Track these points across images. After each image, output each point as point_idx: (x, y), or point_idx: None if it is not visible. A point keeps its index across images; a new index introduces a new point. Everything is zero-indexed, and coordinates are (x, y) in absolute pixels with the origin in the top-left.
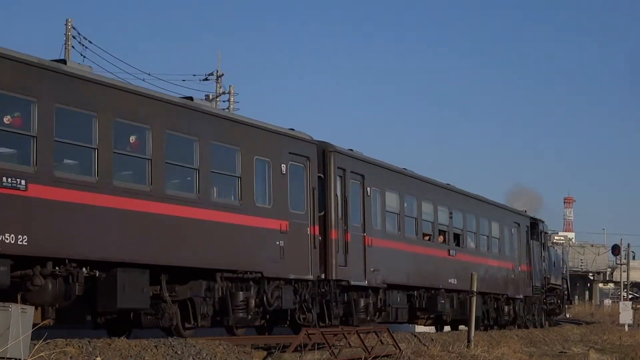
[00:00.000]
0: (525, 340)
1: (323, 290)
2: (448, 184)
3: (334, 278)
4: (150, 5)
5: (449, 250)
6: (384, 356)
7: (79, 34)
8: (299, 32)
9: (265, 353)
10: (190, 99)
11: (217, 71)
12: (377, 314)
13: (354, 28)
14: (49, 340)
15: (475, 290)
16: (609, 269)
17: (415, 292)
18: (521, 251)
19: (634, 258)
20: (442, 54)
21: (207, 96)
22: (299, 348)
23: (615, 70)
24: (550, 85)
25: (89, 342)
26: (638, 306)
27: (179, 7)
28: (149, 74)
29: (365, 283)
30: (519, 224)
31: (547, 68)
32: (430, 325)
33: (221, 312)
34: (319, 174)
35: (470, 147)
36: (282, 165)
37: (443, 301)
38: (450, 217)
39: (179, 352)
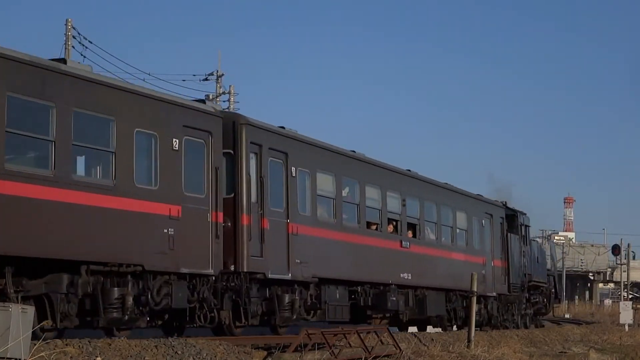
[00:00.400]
0: (526, 340)
1: (233, 284)
2: (410, 170)
3: (245, 270)
4: (150, 5)
5: (401, 242)
6: (384, 356)
7: (79, 34)
8: (299, 32)
9: (265, 353)
10: (63, 60)
11: (217, 71)
12: (312, 312)
13: (354, 28)
14: (49, 340)
15: (475, 290)
16: (609, 269)
17: (359, 287)
18: (495, 245)
19: (634, 258)
20: (443, 54)
21: (207, 96)
22: (299, 348)
23: (615, 70)
24: (550, 85)
25: (89, 342)
26: (638, 306)
27: (179, 7)
28: (149, 74)
29: (289, 276)
30: (491, 215)
31: (548, 68)
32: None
33: (92, 311)
34: (228, 151)
35: (470, 147)
36: (174, 140)
37: (394, 298)
38: (404, 205)
39: (179, 352)
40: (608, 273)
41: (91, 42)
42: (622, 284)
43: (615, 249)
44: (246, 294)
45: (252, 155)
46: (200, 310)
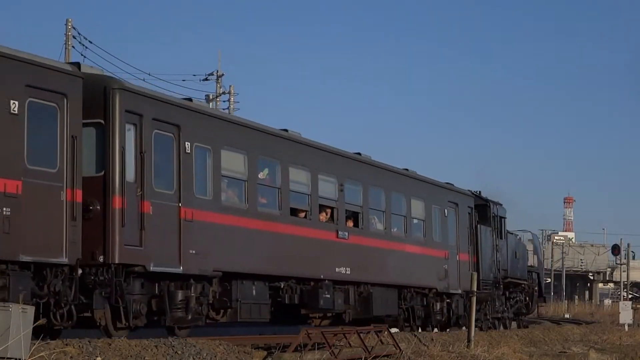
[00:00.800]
0: (526, 340)
1: (102, 278)
2: (358, 154)
3: (116, 262)
4: (150, 5)
5: (337, 232)
6: (384, 356)
7: (79, 34)
8: (299, 32)
9: (265, 353)
10: None
11: (217, 71)
12: (222, 311)
13: (354, 28)
14: (48, 340)
15: (475, 290)
16: (609, 269)
17: (283, 283)
18: (461, 237)
19: (634, 258)
20: (443, 54)
21: (207, 96)
22: (299, 348)
23: (615, 70)
24: (550, 85)
25: (89, 342)
26: (638, 306)
27: (179, 7)
28: (149, 74)
29: (180, 269)
30: (457, 205)
31: (548, 68)
32: (329, 325)
33: None
34: (98, 120)
35: (470, 147)
36: (12, 101)
37: (329, 295)
38: (341, 190)
39: (179, 352)
40: (608, 273)
41: (91, 42)
42: (621, 284)
43: (615, 249)
44: (121, 290)
45: (129, 127)
46: (57, 308)
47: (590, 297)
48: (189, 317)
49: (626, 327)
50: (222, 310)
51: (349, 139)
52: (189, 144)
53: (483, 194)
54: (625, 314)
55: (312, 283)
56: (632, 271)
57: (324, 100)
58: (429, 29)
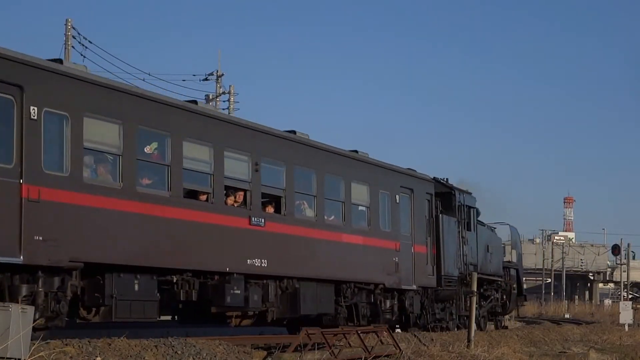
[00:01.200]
0: (526, 340)
1: None
2: (292, 132)
3: None
4: (150, 5)
5: (250, 218)
6: (384, 356)
7: (79, 34)
8: (299, 32)
9: (265, 353)
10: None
11: (217, 71)
12: (95, 309)
13: (354, 28)
14: (48, 340)
15: (475, 290)
16: (609, 269)
17: (175, 277)
18: (417, 227)
19: (634, 258)
20: (444, 54)
21: (207, 96)
22: (299, 348)
23: (616, 70)
24: (550, 85)
25: (89, 342)
26: (638, 306)
27: (179, 7)
28: (149, 74)
29: (21, 260)
30: (412, 191)
31: (548, 68)
32: (251, 325)
33: None
34: None
35: (470, 147)
36: None
37: (239, 291)
38: (256, 171)
39: (179, 352)
40: (608, 273)
41: (91, 42)
42: (622, 284)
43: (615, 249)
44: None
45: None
46: None
47: (591, 297)
48: (37, 317)
49: (626, 327)
50: (95, 309)
51: (349, 138)
52: (35, 109)
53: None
54: (626, 314)
55: (216, 277)
56: (632, 271)
57: (324, 100)
58: (430, 28)
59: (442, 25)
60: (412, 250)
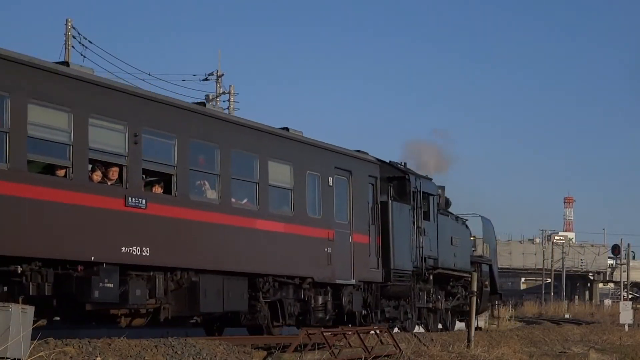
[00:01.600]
0: (526, 340)
1: None
2: (202, 104)
3: None
4: (150, 5)
5: (126, 198)
6: (384, 356)
7: (79, 34)
8: (299, 32)
9: (265, 353)
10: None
11: (217, 71)
12: None
13: (354, 28)
14: (48, 340)
15: (475, 290)
16: (609, 269)
17: (21, 266)
18: (357, 214)
19: (634, 258)
20: (444, 54)
21: (207, 96)
22: (299, 348)
23: (615, 70)
24: (550, 85)
25: (88, 342)
26: (638, 306)
27: (179, 7)
28: (149, 74)
29: None
30: (350, 173)
31: (548, 68)
32: (143, 326)
33: None
34: None
35: (469, 147)
36: None
37: (111, 284)
38: (135, 143)
39: (179, 352)
40: (608, 273)
41: (91, 42)
42: (622, 284)
43: (615, 249)
44: None
45: None
46: None
47: (591, 297)
48: None
49: (626, 327)
50: None
51: (349, 138)
52: None
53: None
54: (626, 314)
55: (80, 268)
56: (632, 271)
57: (324, 100)
58: (430, 29)
59: (442, 25)
60: (351, 240)
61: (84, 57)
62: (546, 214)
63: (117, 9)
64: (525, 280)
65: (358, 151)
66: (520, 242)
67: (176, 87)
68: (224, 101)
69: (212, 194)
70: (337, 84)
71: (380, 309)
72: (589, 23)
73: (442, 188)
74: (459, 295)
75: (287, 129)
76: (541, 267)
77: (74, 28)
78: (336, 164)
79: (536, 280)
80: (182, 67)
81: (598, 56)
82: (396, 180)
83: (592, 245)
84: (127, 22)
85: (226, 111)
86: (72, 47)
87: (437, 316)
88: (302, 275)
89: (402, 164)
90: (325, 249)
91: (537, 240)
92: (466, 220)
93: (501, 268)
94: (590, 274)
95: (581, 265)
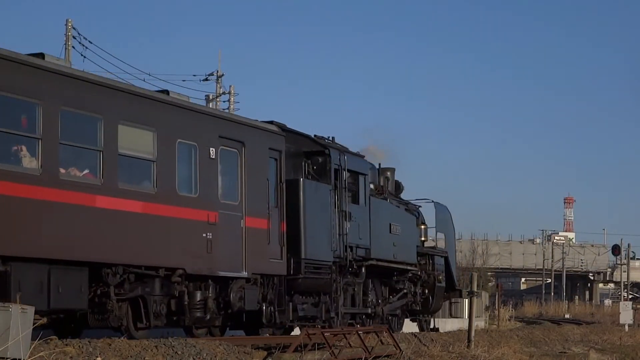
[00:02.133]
0: (526, 340)
1: None
2: (40, 55)
3: None
4: (150, 5)
5: None
6: (384, 356)
7: (79, 34)
8: (299, 32)
9: (265, 353)
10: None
11: (217, 71)
12: None
13: (354, 28)
14: (48, 340)
15: (474, 290)
16: (609, 269)
17: None
18: (251, 194)
19: (634, 258)
20: (444, 54)
21: (207, 96)
22: (299, 348)
23: (615, 70)
24: (550, 85)
25: (89, 342)
26: (638, 306)
27: (179, 7)
28: (149, 74)
29: None
30: (242, 144)
31: (547, 68)
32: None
33: None
34: None
35: (470, 147)
36: None
37: None
38: None
39: (179, 352)
40: (608, 273)
41: (91, 42)
42: (622, 284)
43: (615, 249)
44: None
45: None
46: None
47: (591, 298)
48: None
49: (626, 328)
50: None
51: (350, 138)
52: None
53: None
54: (626, 314)
55: None
56: (632, 271)
57: (324, 101)
58: (431, 29)
59: (441, 25)
60: (243, 225)
61: (84, 57)
62: (546, 214)
63: (117, 9)
64: (525, 280)
65: (270, 122)
66: (521, 242)
67: (176, 87)
68: (224, 101)
69: (31, 162)
70: (338, 84)
71: (290, 306)
72: (589, 22)
73: (391, 170)
74: (405, 290)
75: (167, 92)
76: (541, 267)
77: (74, 28)
78: (222, 132)
79: (536, 280)
80: (182, 67)
81: (599, 56)
82: (315, 156)
83: (592, 246)
84: (127, 22)
85: (226, 111)
86: (72, 47)
87: (380, 316)
88: (168, 265)
89: (329, 138)
90: (204, 235)
91: (537, 240)
92: (419, 207)
93: (501, 268)
94: (590, 274)
95: (581, 266)
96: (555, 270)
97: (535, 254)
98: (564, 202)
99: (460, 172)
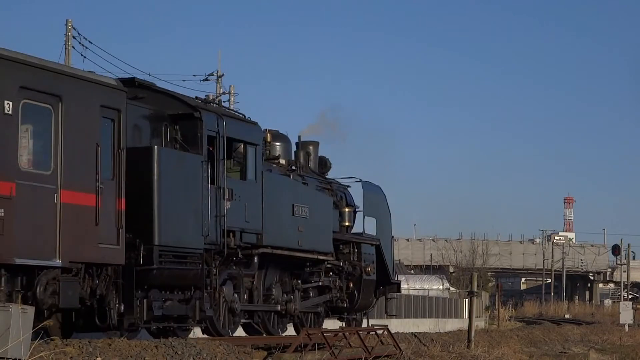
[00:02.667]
0: (526, 340)
1: None
2: None
3: None
4: (150, 5)
5: None
6: (384, 356)
7: (79, 34)
8: (300, 32)
9: (265, 353)
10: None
11: (217, 71)
12: None
13: (355, 28)
14: (48, 340)
15: (474, 290)
16: (609, 269)
17: None
18: (71, 161)
19: (634, 258)
20: (443, 53)
21: (207, 96)
22: (299, 348)
23: (615, 69)
24: (550, 85)
25: (89, 342)
26: (638, 306)
27: (179, 7)
28: (149, 74)
29: None
30: (59, 99)
31: (547, 67)
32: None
33: None
34: None
35: (470, 147)
36: None
37: None
38: None
39: (179, 352)
40: (608, 273)
41: (91, 42)
42: (622, 284)
43: (615, 249)
44: None
45: None
46: None
47: (591, 298)
48: None
49: (626, 328)
50: None
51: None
52: None
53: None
54: (626, 314)
55: None
56: (632, 271)
57: (324, 101)
58: (428, 28)
59: (442, 25)
60: (57, 200)
61: (84, 57)
62: (546, 214)
63: (117, 9)
64: (525, 280)
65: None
66: (521, 242)
67: (176, 87)
68: (224, 101)
69: None
70: (339, 84)
71: (144, 303)
72: (589, 22)
73: (314, 144)
74: (322, 284)
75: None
76: (541, 267)
77: (74, 28)
78: (26, 82)
79: (536, 280)
80: (182, 67)
81: (599, 55)
82: (183, 120)
83: (592, 246)
84: (128, 22)
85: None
86: (72, 47)
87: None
88: None
89: (214, 101)
90: None
91: (537, 240)
92: (347, 187)
93: (501, 268)
94: (591, 274)
95: (581, 266)
96: (555, 270)
97: (535, 254)
98: (564, 202)
99: (460, 172)
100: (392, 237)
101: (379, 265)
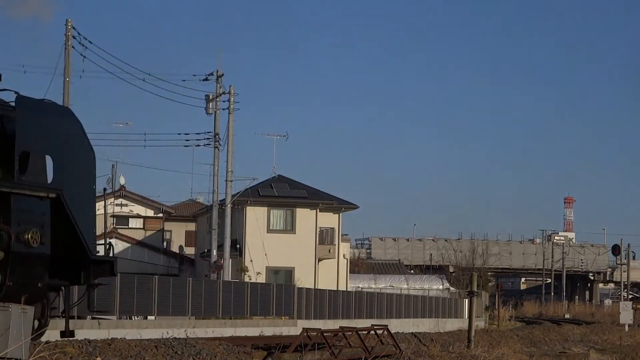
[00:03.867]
0: (526, 340)
1: None
2: None
3: None
4: (150, 5)
5: None
6: (384, 356)
7: (79, 34)
8: (300, 32)
9: (265, 353)
10: None
11: (217, 71)
12: None
13: (355, 28)
14: (49, 340)
15: (474, 290)
16: (609, 269)
17: None
18: None
19: (634, 258)
20: (443, 54)
21: (207, 96)
22: (299, 348)
23: (616, 69)
24: (550, 85)
25: (89, 342)
26: (638, 306)
27: (179, 7)
28: (149, 74)
29: None
30: None
31: (546, 67)
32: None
33: None
34: None
35: (469, 147)
36: None
37: None
38: None
39: (179, 352)
40: (608, 273)
41: (91, 42)
42: (622, 284)
43: (615, 249)
44: None
45: None
46: None
47: (591, 298)
48: None
49: (626, 328)
50: None
51: (350, 139)
52: None
53: None
54: (626, 314)
55: None
56: (632, 271)
57: (324, 101)
58: (428, 28)
59: (442, 27)
60: None
61: (84, 57)
62: (546, 214)
63: (117, 9)
64: (525, 280)
65: None
66: (521, 242)
67: (176, 87)
68: (224, 101)
69: None
70: (338, 84)
71: None
72: (589, 21)
73: None
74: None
75: None
76: (541, 267)
77: (74, 28)
78: None
79: (536, 280)
80: (182, 67)
81: (599, 55)
82: None
83: (592, 245)
84: (128, 22)
85: (226, 111)
86: (72, 47)
87: None
88: None
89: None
90: None
91: (537, 240)
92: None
93: (501, 268)
94: (591, 274)
95: (581, 266)
96: (555, 270)
97: (535, 254)
98: (564, 202)
99: (460, 172)
100: (96, 191)
101: (59, 232)
